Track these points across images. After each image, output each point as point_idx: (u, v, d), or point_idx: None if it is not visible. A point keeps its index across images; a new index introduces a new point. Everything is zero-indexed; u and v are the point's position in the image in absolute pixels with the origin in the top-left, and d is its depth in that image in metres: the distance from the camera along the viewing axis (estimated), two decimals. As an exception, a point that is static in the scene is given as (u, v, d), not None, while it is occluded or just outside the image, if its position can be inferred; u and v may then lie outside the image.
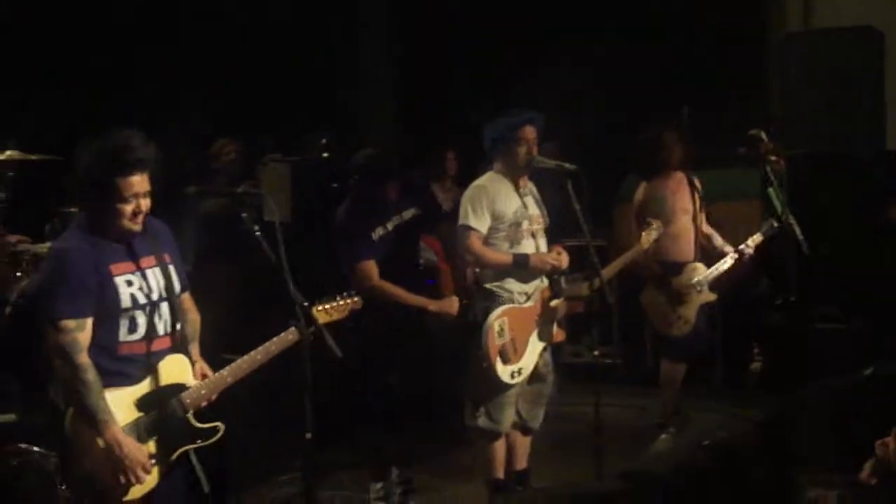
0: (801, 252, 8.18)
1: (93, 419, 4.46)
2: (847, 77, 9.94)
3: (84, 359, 4.48)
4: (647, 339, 9.84)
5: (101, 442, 4.48)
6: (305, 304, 4.86)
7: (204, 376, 4.82)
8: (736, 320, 10.05)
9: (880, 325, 8.75)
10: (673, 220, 7.84)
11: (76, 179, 4.67)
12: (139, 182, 4.62)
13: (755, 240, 7.93)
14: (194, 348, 4.91)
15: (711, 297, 8.06)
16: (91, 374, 4.47)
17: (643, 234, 7.59)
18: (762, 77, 11.12)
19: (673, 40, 11.24)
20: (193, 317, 5.00)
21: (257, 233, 4.87)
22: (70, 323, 4.49)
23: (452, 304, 6.78)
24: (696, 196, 8.17)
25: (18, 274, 7.50)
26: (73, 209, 7.43)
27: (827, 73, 10.02)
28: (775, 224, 8.00)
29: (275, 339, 4.90)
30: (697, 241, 8.07)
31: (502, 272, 6.54)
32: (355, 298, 5.31)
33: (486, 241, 6.56)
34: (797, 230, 8.18)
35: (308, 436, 4.68)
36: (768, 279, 9.68)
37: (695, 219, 8.08)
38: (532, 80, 10.43)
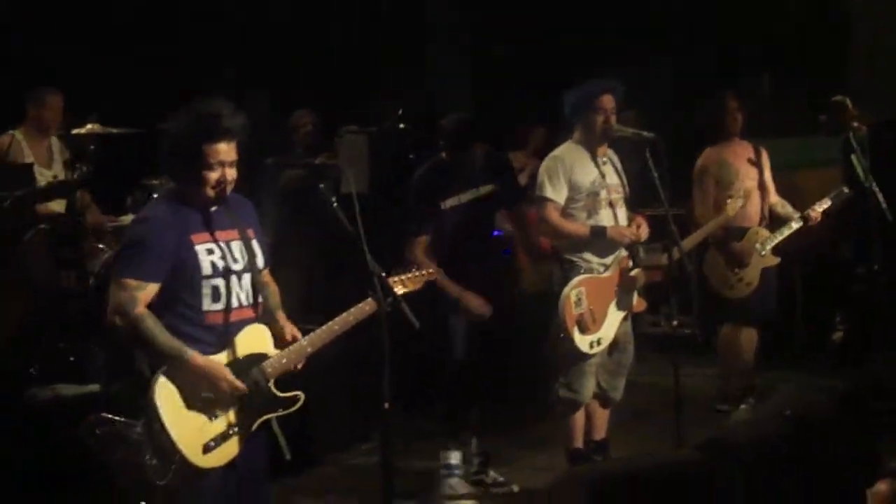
0: (884, 220, 8.07)
1: (169, 356, 4.53)
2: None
3: (141, 310, 4.53)
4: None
5: (190, 391, 4.54)
6: (383, 274, 4.87)
7: (294, 338, 4.85)
8: (818, 289, 9.94)
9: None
10: (736, 185, 7.77)
11: (163, 147, 4.71)
12: (226, 150, 4.64)
13: (822, 205, 7.81)
14: (280, 314, 4.94)
15: (775, 260, 7.98)
16: (151, 320, 4.53)
17: (728, 202, 7.51)
18: (846, 42, 10.95)
19: (755, 5, 11.09)
20: (273, 289, 5.03)
21: (334, 204, 4.88)
22: (131, 282, 4.55)
23: (481, 305, 6.74)
24: (763, 163, 8.09)
25: (101, 246, 7.63)
26: (154, 181, 7.55)
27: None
28: (846, 190, 7.88)
29: (353, 309, 4.92)
30: (763, 208, 7.99)
31: (581, 242, 6.52)
32: (430, 270, 5.31)
33: (565, 211, 6.55)
34: (880, 198, 8.06)
35: (386, 405, 4.71)
36: (850, 247, 9.55)
37: (760, 186, 8.00)
38: (611, 49, 10.37)
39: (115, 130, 7.69)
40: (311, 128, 9.35)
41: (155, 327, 4.54)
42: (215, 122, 4.62)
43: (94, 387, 6.87)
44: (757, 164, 8.04)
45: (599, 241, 6.50)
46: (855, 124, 8.38)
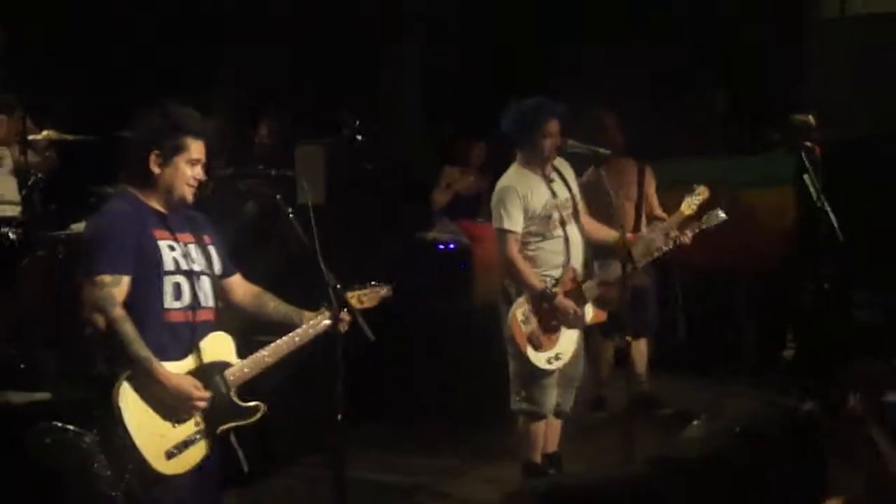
0: (835, 239, 8.13)
1: (139, 365, 4.50)
2: (883, 63, 9.89)
3: (119, 312, 4.52)
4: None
5: (154, 398, 4.52)
6: (338, 286, 4.88)
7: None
8: (769, 306, 10.01)
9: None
10: (610, 204, 7.68)
11: (135, 147, 4.72)
12: (202, 149, 4.74)
13: (693, 229, 7.54)
14: (304, 313, 4.99)
15: (642, 280, 8.02)
16: (128, 326, 4.50)
17: (685, 200, 7.33)
18: (799, 63, 11.05)
19: (710, 24, 11.16)
20: (257, 290, 5.07)
21: (291, 215, 4.89)
22: (106, 278, 4.54)
23: None
24: (645, 182, 8.12)
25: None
26: (109, 190, 7.49)
27: (863, 59, 9.96)
28: (720, 214, 7.62)
29: (312, 321, 4.93)
30: (639, 226, 8.00)
31: (530, 258, 6.50)
32: (387, 287, 5.33)
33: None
34: (832, 217, 8.13)
35: (339, 416, 4.71)
36: (802, 265, 9.63)
37: (638, 204, 8.01)
38: (569, 64, 10.39)
39: (70, 137, 7.65)
40: (266, 139, 9.32)
41: (131, 332, 4.51)
42: (196, 119, 4.73)
43: (45, 394, 6.80)
44: (638, 183, 8.08)
45: (546, 301, 6.45)
46: (808, 144, 8.45)
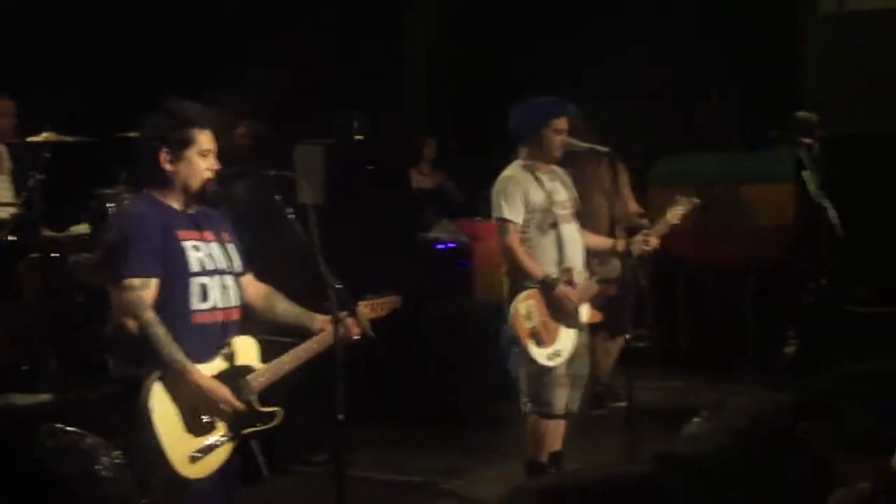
0: (834, 235, 8.14)
1: (171, 368, 4.48)
2: (880, 59, 9.90)
3: (150, 314, 4.48)
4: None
5: (184, 400, 4.49)
6: (338, 286, 4.86)
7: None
8: (770, 303, 10.02)
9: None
10: (585, 201, 7.54)
11: (143, 146, 4.74)
12: (210, 138, 4.72)
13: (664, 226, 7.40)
14: (317, 316, 4.95)
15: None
16: (160, 328, 4.47)
17: (669, 210, 7.24)
18: (796, 59, 11.06)
19: (705, 21, 11.18)
20: (268, 289, 5.05)
21: (291, 215, 4.87)
22: (135, 281, 4.50)
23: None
24: (619, 177, 8.05)
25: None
26: (108, 191, 7.50)
27: (860, 55, 9.98)
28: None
29: (328, 330, 4.89)
30: (611, 221, 7.93)
31: (532, 254, 6.50)
32: (396, 298, 5.33)
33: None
34: (831, 213, 8.14)
35: (340, 417, 4.71)
36: (802, 261, 9.64)
37: (610, 198, 7.91)
38: (567, 60, 10.39)
39: (70, 139, 7.63)
40: (243, 140, 9.24)
41: (164, 335, 4.47)
42: (200, 111, 4.73)
43: (46, 397, 6.79)
44: (612, 179, 8.03)
45: (548, 289, 6.44)
46: (808, 141, 8.45)
